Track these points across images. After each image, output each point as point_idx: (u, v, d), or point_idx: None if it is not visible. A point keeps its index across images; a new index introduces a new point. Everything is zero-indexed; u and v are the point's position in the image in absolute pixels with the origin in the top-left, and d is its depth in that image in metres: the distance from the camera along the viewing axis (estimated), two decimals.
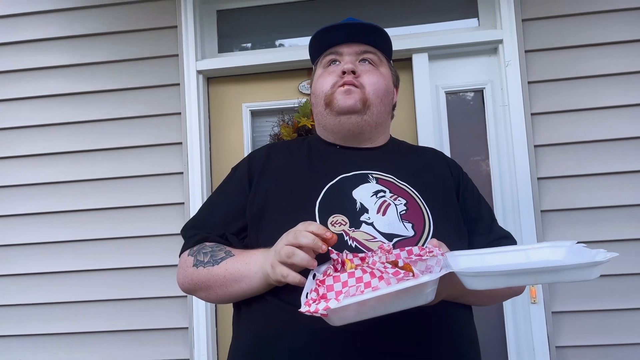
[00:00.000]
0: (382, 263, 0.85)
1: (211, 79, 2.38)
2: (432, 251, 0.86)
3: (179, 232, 2.14)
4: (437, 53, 2.22)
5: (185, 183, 2.22)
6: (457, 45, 2.20)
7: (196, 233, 1.17)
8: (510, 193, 2.12)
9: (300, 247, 0.90)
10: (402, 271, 0.79)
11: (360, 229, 1.03)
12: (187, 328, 2.15)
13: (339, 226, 1.03)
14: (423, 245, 1.02)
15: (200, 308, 2.14)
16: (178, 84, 2.27)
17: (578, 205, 2.03)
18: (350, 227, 1.03)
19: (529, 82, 2.10)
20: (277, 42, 2.42)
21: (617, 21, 2.08)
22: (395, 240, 1.02)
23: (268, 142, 2.18)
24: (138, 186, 2.25)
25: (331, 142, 1.25)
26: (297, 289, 0.92)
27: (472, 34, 2.21)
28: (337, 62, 1.24)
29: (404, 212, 1.07)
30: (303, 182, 1.14)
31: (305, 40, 2.37)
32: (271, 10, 2.41)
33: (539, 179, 2.05)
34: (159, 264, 2.19)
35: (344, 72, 1.19)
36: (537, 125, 2.08)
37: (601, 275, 0.76)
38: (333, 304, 0.76)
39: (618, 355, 1.97)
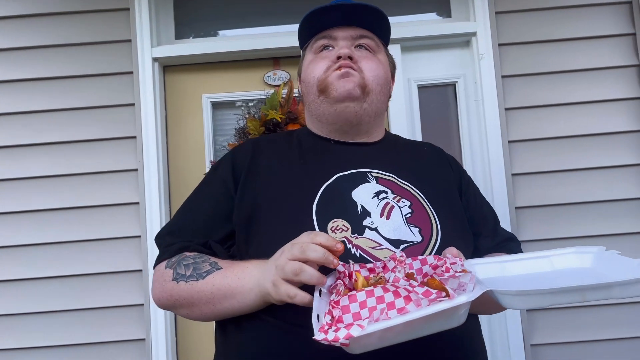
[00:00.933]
0: (406, 279, 0.73)
1: (168, 67, 2.19)
2: (454, 262, 0.75)
3: (133, 234, 2.01)
4: (410, 45, 2.13)
5: (140, 181, 2.02)
6: (430, 37, 2.12)
7: (174, 242, 1.02)
8: (484, 189, 2.05)
9: (306, 262, 0.78)
10: (434, 291, 0.68)
11: (364, 235, 0.92)
12: (144, 339, 1.97)
13: (340, 232, 0.91)
14: (432, 253, 0.92)
15: (159, 317, 1.96)
16: (131, 72, 2.07)
17: (552, 201, 2.00)
18: (352, 233, 0.92)
19: (503, 76, 2.06)
20: (241, 30, 2.25)
21: (589, 16, 2.07)
22: (402, 246, 0.92)
23: (234, 137, 2.03)
24: (85, 184, 2.02)
25: (324, 137, 1.13)
26: (296, 306, 0.80)
27: (445, 25, 2.14)
28: (330, 48, 1.11)
29: (410, 215, 0.97)
30: (296, 183, 1.01)
31: (272, 29, 2.23)
32: None
33: (513, 175, 2.02)
34: (111, 270, 1.99)
35: (339, 57, 1.07)
36: (511, 121, 2.05)
37: None
38: (356, 332, 0.64)
39: (590, 351, 1.96)
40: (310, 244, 0.78)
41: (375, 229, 0.93)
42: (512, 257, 0.88)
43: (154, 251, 1.98)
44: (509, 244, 1.13)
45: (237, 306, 0.89)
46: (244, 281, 0.88)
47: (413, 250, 0.91)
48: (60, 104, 2.05)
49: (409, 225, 0.95)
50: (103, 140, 2.04)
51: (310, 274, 0.77)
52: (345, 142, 1.11)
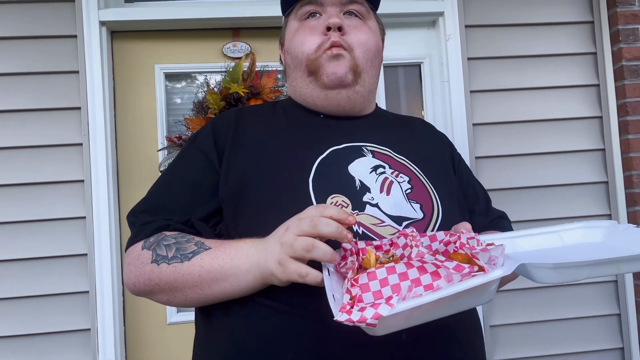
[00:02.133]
0: (432, 254, 0.67)
1: (116, 33, 2.00)
2: (472, 237, 0.70)
3: (78, 215, 1.83)
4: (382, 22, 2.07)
5: (85, 156, 1.84)
6: (396, 14, 2.06)
7: (151, 220, 0.90)
8: None
9: (319, 237, 0.70)
10: (466, 265, 0.63)
11: (365, 212, 0.86)
12: (89, 330, 1.81)
13: (340, 209, 0.84)
14: (433, 230, 0.87)
15: (106, 306, 1.81)
16: (75, 36, 1.87)
17: (512, 184, 2.03)
18: (353, 209, 0.85)
19: (469, 58, 2.04)
20: None
21: (552, 3, 2.09)
22: (404, 223, 0.86)
23: (191, 111, 1.88)
24: (23, 160, 1.82)
25: (312, 109, 1.04)
26: (299, 287, 0.73)
27: (413, 4, 2.09)
28: (317, 15, 1.02)
29: (409, 191, 0.91)
30: (288, 156, 0.92)
31: None
32: None
33: (476, 158, 2.02)
34: (53, 254, 1.81)
35: (328, 28, 0.97)
36: (476, 103, 2.04)
37: None
38: (385, 311, 0.58)
39: (542, 330, 2.02)
40: (321, 218, 0.70)
41: (376, 205, 0.87)
42: (521, 233, 0.85)
43: (101, 233, 1.82)
44: (502, 222, 1.11)
45: (229, 289, 0.80)
46: (239, 262, 0.79)
47: (415, 227, 0.86)
48: None
49: (409, 202, 0.90)
50: (43, 110, 1.84)
51: (324, 250, 0.69)
52: (335, 116, 1.03)
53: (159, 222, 0.89)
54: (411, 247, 0.72)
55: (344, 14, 1.02)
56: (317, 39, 0.98)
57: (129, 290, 0.90)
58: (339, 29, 0.98)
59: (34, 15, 1.86)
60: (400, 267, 0.64)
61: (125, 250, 0.92)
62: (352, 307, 0.60)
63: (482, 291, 0.64)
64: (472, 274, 0.62)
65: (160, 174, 1.92)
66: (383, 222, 0.85)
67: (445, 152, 1.10)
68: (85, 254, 1.82)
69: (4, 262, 1.79)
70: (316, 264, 0.71)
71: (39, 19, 1.86)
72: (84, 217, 1.83)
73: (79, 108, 1.85)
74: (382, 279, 0.64)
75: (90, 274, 1.81)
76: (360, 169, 0.91)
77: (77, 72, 1.86)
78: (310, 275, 0.70)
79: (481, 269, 0.63)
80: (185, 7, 2.02)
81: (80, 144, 1.85)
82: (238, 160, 0.92)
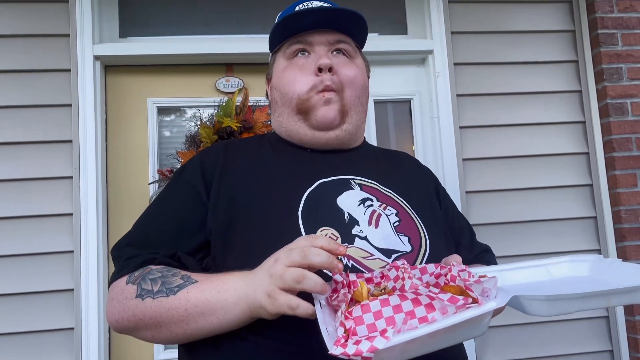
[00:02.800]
0: (426, 286, 0.67)
1: (110, 67, 2.01)
2: (463, 270, 0.70)
3: (65, 249, 1.80)
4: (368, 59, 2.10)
5: (75, 189, 1.83)
6: (387, 52, 2.11)
7: (136, 254, 0.88)
8: None
9: (309, 268, 0.69)
10: (460, 297, 0.62)
11: (355, 245, 0.86)
12: None
13: None
14: (422, 262, 0.88)
15: (92, 343, 1.76)
16: (69, 70, 1.88)
17: (501, 219, 2.04)
18: (342, 242, 0.85)
19: (458, 95, 2.08)
20: (191, 33, 2.13)
21: (538, 42, 2.16)
22: (393, 256, 0.87)
23: (183, 144, 1.89)
24: (12, 192, 1.80)
25: (297, 144, 1.05)
26: (288, 323, 0.73)
27: (403, 42, 2.14)
28: (306, 53, 1.03)
29: (397, 223, 0.92)
30: (277, 188, 0.92)
31: (226, 35, 2.12)
32: None
33: (467, 192, 2.03)
34: (39, 290, 1.77)
35: (320, 70, 0.98)
36: (465, 139, 2.07)
37: None
38: (381, 344, 0.57)
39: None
40: (312, 248, 0.69)
41: (365, 238, 0.87)
42: (509, 266, 0.86)
43: (88, 268, 1.79)
44: (487, 255, 1.11)
45: (216, 324, 0.78)
46: (227, 294, 0.77)
47: (404, 259, 0.85)
48: None
49: (398, 234, 0.90)
50: (34, 143, 1.83)
51: (315, 281, 0.68)
52: (322, 151, 1.04)
53: (145, 256, 0.87)
54: (403, 279, 0.72)
55: (332, 52, 1.03)
56: (309, 79, 0.99)
57: (111, 326, 0.87)
58: (330, 69, 0.99)
59: (28, 48, 1.87)
60: (394, 300, 0.64)
61: (109, 286, 0.90)
62: (346, 340, 0.59)
63: (477, 323, 0.63)
64: (467, 305, 0.62)
65: None
66: (372, 255, 0.85)
67: (431, 186, 1.11)
68: (72, 289, 1.78)
69: None
70: (306, 296, 0.70)
71: (33, 53, 1.87)
72: (72, 251, 1.80)
73: (71, 141, 1.85)
74: (376, 312, 0.63)
75: (76, 310, 1.77)
76: (349, 201, 0.92)
77: (70, 105, 1.86)
78: (301, 307, 0.68)
79: (475, 300, 0.63)
80: (179, 42, 2.05)
81: (71, 177, 1.83)
82: (227, 193, 0.92)
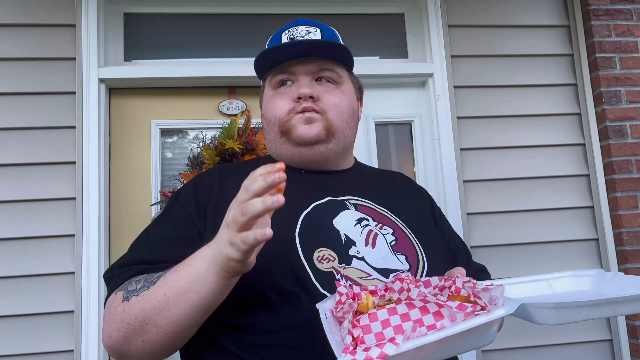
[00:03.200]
0: (434, 294, 0.68)
1: (114, 90, 2.04)
2: (468, 281, 0.70)
3: (66, 270, 1.81)
4: (368, 82, 2.12)
5: (77, 211, 1.84)
6: (389, 75, 2.14)
7: (128, 268, 0.88)
8: None
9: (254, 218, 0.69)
10: (469, 304, 0.63)
11: (352, 265, 0.87)
12: None
13: (327, 262, 0.86)
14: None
15: None
16: (74, 93, 1.91)
17: (502, 241, 2.04)
18: (339, 263, 0.86)
19: (458, 118, 2.10)
20: (194, 56, 2.16)
21: (537, 66, 2.19)
22: (391, 275, 0.88)
23: (185, 166, 1.90)
24: (15, 213, 1.81)
25: (292, 167, 1.05)
26: (285, 341, 0.75)
27: (404, 65, 2.17)
28: (290, 82, 1.04)
29: (394, 242, 0.93)
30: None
31: (229, 58, 2.15)
32: (188, 19, 2.17)
33: (468, 214, 2.04)
34: (39, 311, 1.76)
35: (299, 97, 1.00)
36: (466, 161, 2.08)
37: None
38: (391, 350, 0.57)
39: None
40: (248, 182, 0.71)
41: (362, 258, 0.88)
42: (511, 280, 0.87)
43: (89, 289, 1.79)
44: (482, 275, 1.13)
45: (195, 300, 0.76)
46: (197, 264, 0.76)
47: (407, 272, 0.86)
48: None
49: (395, 253, 0.91)
50: (38, 164, 1.85)
51: (255, 205, 0.67)
52: (315, 171, 1.05)
53: (137, 268, 0.87)
54: (408, 290, 0.72)
55: (316, 81, 1.04)
56: (289, 104, 1.01)
57: (106, 349, 0.85)
58: (311, 97, 1.00)
59: (34, 71, 1.90)
60: (402, 308, 0.65)
61: (104, 307, 0.89)
62: (355, 348, 0.59)
63: (486, 331, 0.64)
64: (476, 313, 0.62)
65: None
66: (370, 275, 0.86)
67: (426, 205, 1.13)
68: (72, 311, 1.78)
69: None
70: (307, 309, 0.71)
71: (39, 76, 1.90)
72: (73, 273, 1.80)
73: (74, 162, 1.86)
74: (383, 320, 0.64)
75: (76, 332, 1.76)
76: (345, 222, 0.93)
77: (74, 127, 1.88)
78: (251, 234, 0.67)
79: (483, 308, 0.63)
80: (182, 65, 2.09)
81: (74, 198, 1.84)
82: (222, 215, 0.92)
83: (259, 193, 0.68)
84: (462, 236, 1.97)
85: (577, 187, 2.12)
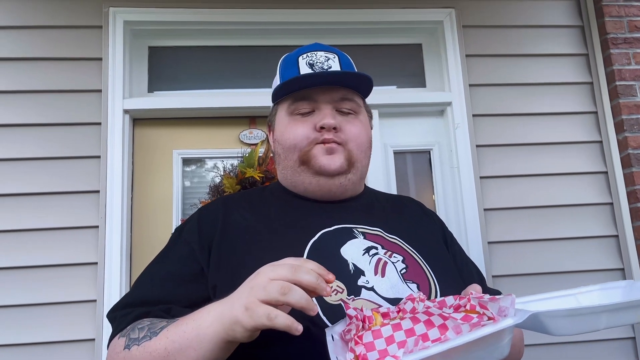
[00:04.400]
0: (439, 307, 0.66)
1: (138, 120, 2.09)
2: (482, 297, 0.67)
3: (88, 298, 1.82)
4: (387, 111, 2.16)
5: (100, 239, 1.86)
6: (407, 104, 2.16)
7: (130, 311, 0.88)
8: None
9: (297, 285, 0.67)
10: (474, 314, 0.60)
11: (361, 296, 0.84)
12: None
13: (335, 294, 0.83)
14: None
15: None
16: (99, 123, 1.96)
17: (526, 270, 2.01)
18: (348, 294, 0.84)
19: (477, 146, 2.10)
20: (216, 87, 2.21)
21: (556, 94, 2.18)
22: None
23: (207, 194, 1.93)
24: (40, 241, 1.84)
25: (300, 195, 1.05)
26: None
27: (423, 94, 2.19)
28: (310, 109, 1.03)
29: (404, 270, 0.90)
30: (279, 241, 0.92)
31: (249, 89, 2.20)
32: (210, 52, 2.23)
33: (489, 243, 2.01)
34: (61, 339, 1.77)
35: (322, 128, 0.99)
36: (486, 189, 2.07)
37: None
38: None
39: None
40: (302, 267, 0.67)
41: (372, 289, 0.85)
42: (535, 297, 0.81)
43: None
44: None
45: (193, 357, 0.72)
46: (201, 320, 0.72)
47: (420, 292, 0.85)
48: (19, 153, 1.90)
49: (405, 282, 0.88)
50: (64, 193, 1.88)
51: (301, 295, 0.64)
52: (324, 201, 1.04)
53: (138, 311, 0.86)
54: (412, 312, 0.70)
55: (335, 109, 1.03)
56: (311, 133, 1.00)
57: None
58: (334, 128, 1.00)
59: (62, 103, 1.96)
60: (406, 324, 0.63)
61: (107, 348, 0.88)
62: None
63: (495, 343, 0.59)
64: (482, 323, 0.59)
65: None
66: (380, 306, 0.83)
67: (437, 231, 1.10)
68: (94, 339, 1.79)
69: (15, 346, 1.75)
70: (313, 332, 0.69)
71: (68, 107, 1.95)
72: (95, 301, 1.82)
73: (98, 191, 1.90)
74: (387, 337, 0.63)
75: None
76: (353, 251, 0.91)
77: (99, 156, 1.93)
78: (280, 317, 0.63)
79: (491, 319, 0.60)
80: (204, 96, 2.13)
81: (97, 227, 1.88)
82: (227, 248, 0.92)
83: (302, 284, 0.66)
84: (483, 265, 1.96)
85: (600, 216, 2.09)
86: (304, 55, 1.05)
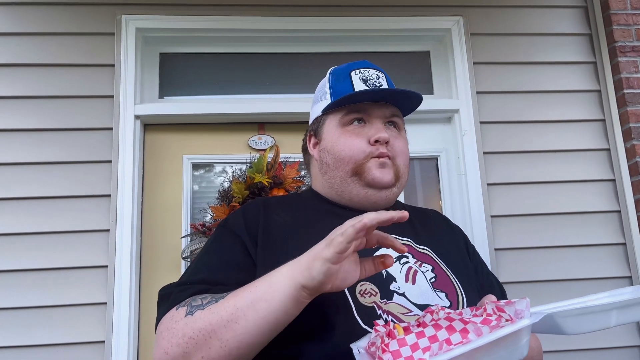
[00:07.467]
0: (459, 313, 0.69)
1: (149, 125, 2.12)
2: (502, 309, 0.71)
3: (98, 301, 1.85)
4: None
5: (111, 242, 1.89)
6: (415, 111, 2.16)
7: (188, 287, 0.89)
8: None
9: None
10: (493, 317, 0.64)
11: (393, 300, 0.89)
12: None
13: (369, 297, 0.88)
14: None
15: None
16: (111, 129, 1.99)
17: (533, 277, 2.01)
18: (381, 298, 0.88)
19: (484, 153, 2.11)
20: (225, 93, 2.24)
21: (563, 101, 2.19)
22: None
23: (215, 199, 1.95)
24: (51, 244, 1.87)
25: (336, 202, 1.09)
26: None
27: (430, 101, 2.20)
28: (362, 122, 1.07)
29: (434, 279, 0.95)
30: (318, 242, 0.95)
31: (258, 95, 2.23)
32: (220, 58, 2.26)
33: (496, 250, 2.02)
34: (71, 341, 1.80)
35: (376, 141, 1.04)
36: (493, 196, 2.08)
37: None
38: None
39: None
40: (366, 215, 0.74)
41: (403, 294, 0.90)
42: (546, 307, 0.84)
43: (120, 320, 1.82)
44: None
45: (265, 312, 0.75)
46: (273, 274, 0.79)
47: (437, 304, 0.87)
48: (32, 157, 1.93)
49: (435, 290, 0.93)
50: (75, 197, 1.92)
51: (371, 216, 0.73)
52: (360, 211, 1.07)
53: (197, 287, 0.87)
54: (438, 320, 0.73)
55: (385, 125, 1.09)
56: (365, 147, 1.04)
57: None
58: (387, 142, 1.04)
59: (73, 109, 1.99)
60: (429, 331, 0.66)
61: (155, 327, 0.88)
62: None
63: (514, 343, 0.63)
64: (501, 325, 0.63)
65: (182, 260, 1.96)
66: (411, 311, 0.88)
67: (461, 243, 1.15)
68: (103, 341, 1.81)
69: (26, 347, 1.78)
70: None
71: (80, 113, 1.99)
72: (105, 303, 1.84)
73: (109, 195, 1.93)
74: (412, 344, 0.66)
75: None
76: None
77: (110, 161, 1.96)
78: (365, 218, 0.72)
79: (508, 321, 0.64)
80: (214, 102, 2.16)
81: (107, 230, 1.90)
82: (271, 251, 0.94)
83: (366, 225, 0.73)
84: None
85: (608, 223, 2.09)
86: (357, 71, 1.11)
